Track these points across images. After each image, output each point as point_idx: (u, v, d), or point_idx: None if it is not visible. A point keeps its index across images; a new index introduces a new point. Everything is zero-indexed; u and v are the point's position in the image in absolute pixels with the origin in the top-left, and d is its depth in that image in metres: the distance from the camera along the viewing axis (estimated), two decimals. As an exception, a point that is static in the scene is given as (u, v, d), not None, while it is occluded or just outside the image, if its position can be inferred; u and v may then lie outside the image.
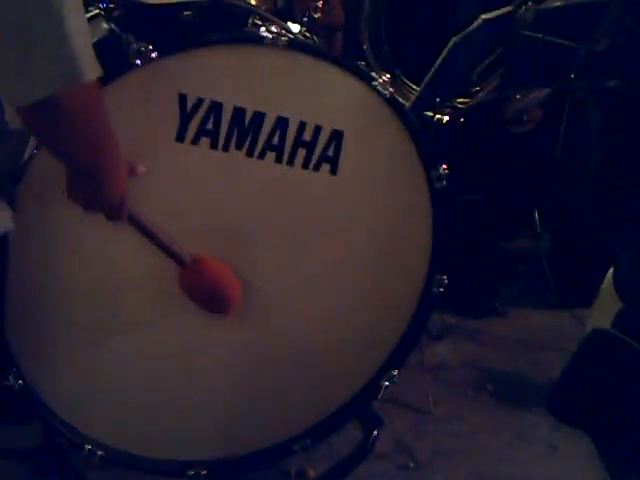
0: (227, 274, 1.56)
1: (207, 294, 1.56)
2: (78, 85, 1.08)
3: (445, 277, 1.74)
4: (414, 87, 2.20)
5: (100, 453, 1.62)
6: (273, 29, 1.62)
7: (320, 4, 1.88)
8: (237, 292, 1.57)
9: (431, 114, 2.08)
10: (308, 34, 1.80)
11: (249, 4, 1.76)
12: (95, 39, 1.52)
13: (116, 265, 1.55)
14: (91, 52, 1.11)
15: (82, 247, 1.52)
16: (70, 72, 1.07)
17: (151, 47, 1.46)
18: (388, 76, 1.71)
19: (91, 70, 1.10)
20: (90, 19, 1.58)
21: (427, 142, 1.72)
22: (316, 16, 1.86)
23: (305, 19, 1.84)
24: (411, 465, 1.95)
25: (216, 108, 1.53)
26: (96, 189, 1.28)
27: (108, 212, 1.37)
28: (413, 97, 2.05)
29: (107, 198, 1.30)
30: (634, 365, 1.06)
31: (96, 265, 1.54)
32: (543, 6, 2.09)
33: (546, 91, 2.32)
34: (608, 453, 1.20)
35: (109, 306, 1.57)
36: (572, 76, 2.25)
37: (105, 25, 1.60)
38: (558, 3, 2.13)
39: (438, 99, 2.04)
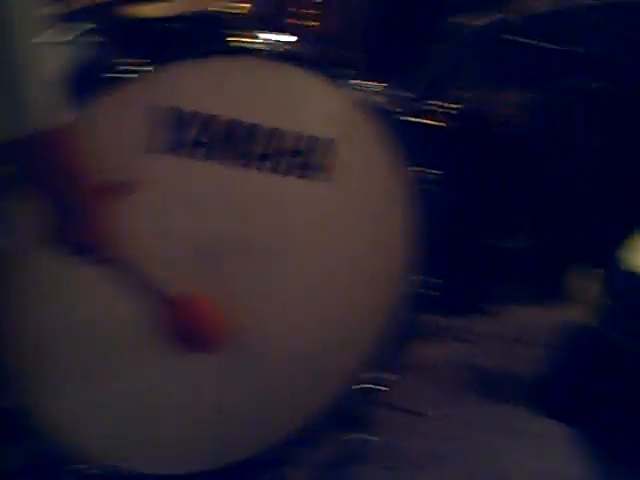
0: (213, 315, 1.55)
1: (191, 337, 1.55)
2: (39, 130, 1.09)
3: (429, 278, 1.77)
4: (404, 94, 2.22)
5: (90, 471, 1.64)
6: (262, 40, 1.65)
7: (313, 12, 1.90)
8: (223, 333, 1.56)
9: (420, 119, 2.10)
10: (299, 43, 1.82)
11: (239, 14, 1.79)
12: (86, 54, 1.55)
13: (103, 298, 1.56)
14: (59, 97, 1.11)
15: (70, 279, 1.52)
16: (32, 120, 1.07)
17: (142, 61, 1.48)
18: (378, 84, 1.74)
19: (54, 115, 1.10)
20: (81, 34, 1.60)
21: (415, 147, 1.75)
22: (309, 24, 1.88)
23: (297, 27, 1.87)
24: (402, 467, 1.97)
25: (208, 120, 1.56)
26: (76, 227, 1.27)
27: (89, 254, 1.34)
28: (403, 103, 2.08)
29: (89, 235, 1.29)
30: (614, 358, 1.08)
31: (84, 297, 1.56)
32: (529, 11, 2.12)
33: (532, 94, 2.34)
34: (591, 445, 1.22)
35: (99, 336, 1.59)
36: (559, 79, 2.27)
37: (96, 39, 1.62)
38: (543, 8, 2.15)
39: (427, 104, 2.06)
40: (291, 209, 1.67)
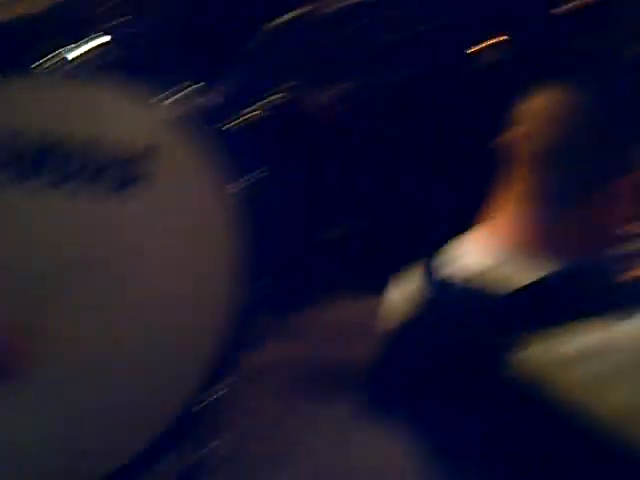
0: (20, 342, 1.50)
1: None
2: None
3: (261, 279, 1.77)
4: (223, 96, 2.20)
5: None
6: (69, 49, 1.60)
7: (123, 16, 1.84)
8: (28, 360, 1.51)
9: (242, 119, 2.09)
10: (110, 50, 1.77)
11: (38, 20, 1.71)
12: None
13: None
14: None
15: None
16: None
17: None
18: (195, 88, 1.72)
19: None
20: None
21: (238, 149, 1.75)
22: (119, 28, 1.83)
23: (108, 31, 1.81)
24: (249, 473, 1.98)
25: (17, 140, 1.51)
26: None
27: None
28: (223, 106, 2.06)
29: None
30: (437, 355, 1.09)
31: None
32: (341, 3, 2.14)
33: (351, 86, 2.38)
34: (422, 438, 1.24)
35: None
36: (376, 70, 2.31)
37: None
38: (347, 1, 2.18)
39: (247, 104, 2.05)
40: (109, 225, 1.62)
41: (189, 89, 1.71)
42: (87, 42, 1.66)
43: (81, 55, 1.61)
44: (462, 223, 1.07)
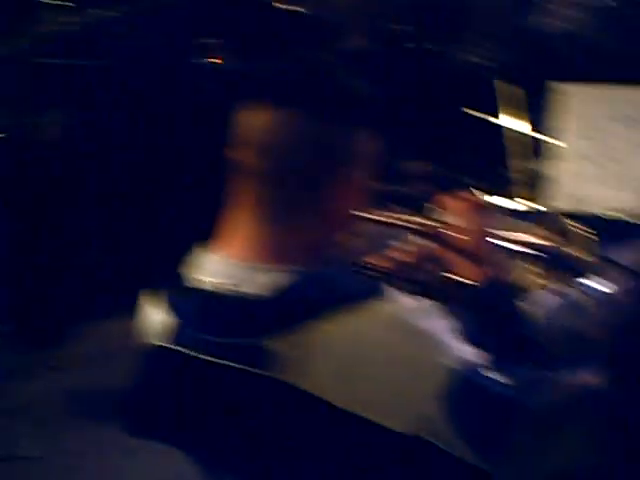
0: None
1: None
2: None
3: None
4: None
5: None
6: None
7: None
8: None
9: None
10: None
11: None
12: None
13: None
14: None
15: None
16: None
17: None
18: None
19: None
20: None
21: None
22: None
23: None
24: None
25: None
26: None
27: None
28: None
29: None
30: (199, 361, 1.09)
31: None
32: (58, 32, 2.09)
33: (74, 112, 2.33)
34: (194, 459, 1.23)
35: None
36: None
37: None
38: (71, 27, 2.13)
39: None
40: None
41: None
42: None
43: None
44: (203, 236, 1.09)
